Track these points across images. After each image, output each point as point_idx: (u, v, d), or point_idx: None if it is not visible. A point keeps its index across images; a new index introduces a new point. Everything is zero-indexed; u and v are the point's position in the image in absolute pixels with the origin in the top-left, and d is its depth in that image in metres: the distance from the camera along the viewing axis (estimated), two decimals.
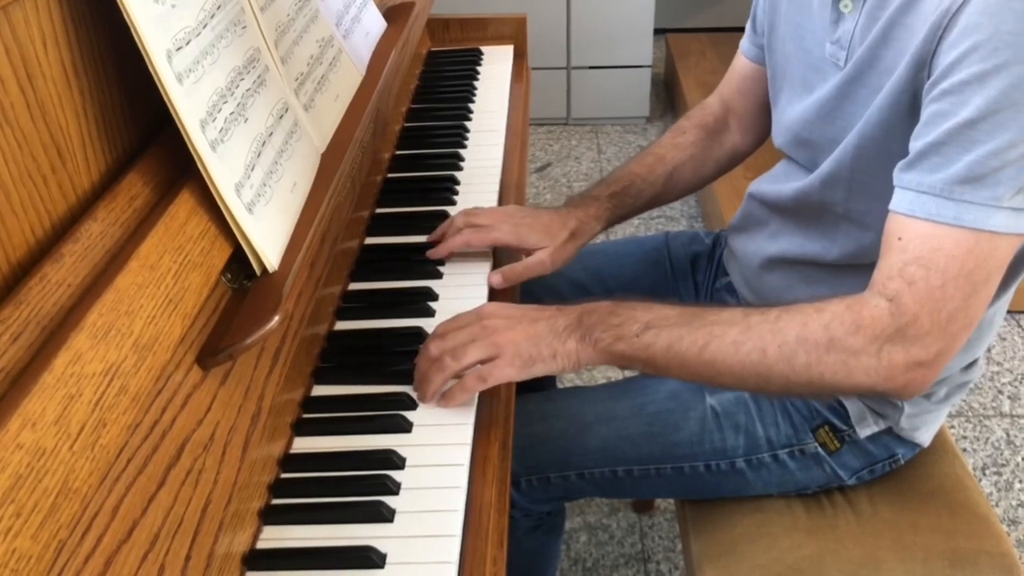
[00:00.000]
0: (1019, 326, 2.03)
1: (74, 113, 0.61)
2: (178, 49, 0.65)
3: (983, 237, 0.67)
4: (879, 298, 0.70)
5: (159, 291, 0.60)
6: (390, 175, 1.19)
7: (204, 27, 0.70)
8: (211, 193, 0.68)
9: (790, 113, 0.92)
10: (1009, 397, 1.84)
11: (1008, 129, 0.65)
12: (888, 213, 0.72)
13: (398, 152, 1.25)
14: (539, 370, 0.78)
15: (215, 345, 0.64)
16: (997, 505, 1.59)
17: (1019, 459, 1.69)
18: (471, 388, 0.78)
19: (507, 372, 0.77)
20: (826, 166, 0.85)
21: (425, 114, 1.36)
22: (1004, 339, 1.99)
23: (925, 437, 0.94)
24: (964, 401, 1.82)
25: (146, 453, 0.55)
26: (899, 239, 0.71)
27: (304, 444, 0.77)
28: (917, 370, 0.70)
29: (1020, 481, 1.64)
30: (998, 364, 1.92)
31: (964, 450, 1.70)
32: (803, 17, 0.89)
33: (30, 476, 0.45)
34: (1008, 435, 1.74)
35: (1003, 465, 1.67)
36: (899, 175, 0.72)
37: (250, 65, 0.78)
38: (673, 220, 2.49)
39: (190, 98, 0.65)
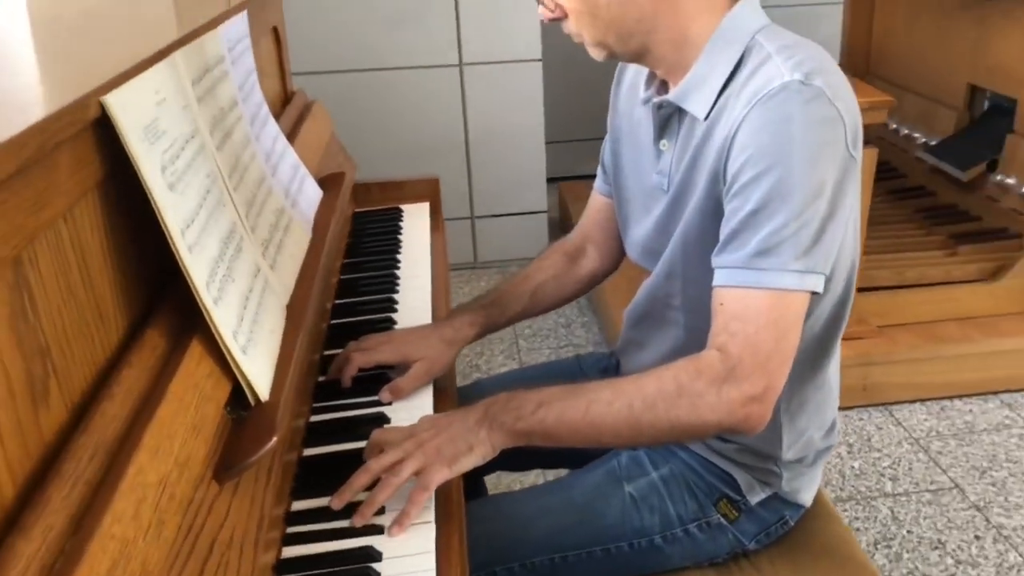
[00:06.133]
0: (892, 416, 2.29)
1: (109, 284, 0.77)
2: (187, 227, 0.82)
3: (779, 294, 0.90)
4: (711, 350, 0.92)
5: (187, 419, 0.74)
6: (333, 321, 1.36)
7: (201, 208, 0.88)
8: (209, 341, 0.83)
9: (638, 232, 1.15)
10: (890, 479, 2.07)
11: (779, 213, 0.88)
12: (712, 291, 0.94)
13: (337, 301, 1.42)
14: (465, 464, 0.94)
15: (226, 463, 0.79)
16: (891, 575, 1.78)
17: (904, 532, 1.90)
18: (421, 501, 0.92)
19: (442, 473, 0.93)
20: (664, 262, 1.07)
21: (358, 266, 1.54)
22: (881, 428, 2.24)
23: (806, 498, 1.13)
24: (852, 486, 2.04)
25: (189, 548, 0.68)
26: (721, 304, 0.93)
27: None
28: (752, 404, 0.89)
29: (907, 552, 1.84)
30: (878, 451, 2.16)
31: (857, 529, 1.90)
32: (637, 156, 1.13)
33: (121, 560, 0.59)
34: (893, 512, 1.96)
35: (891, 539, 1.88)
36: (714, 259, 0.94)
37: (232, 235, 0.96)
38: (580, 347, 2.70)
39: (198, 265, 0.82)
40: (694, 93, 0.98)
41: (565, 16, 0.99)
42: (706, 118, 0.97)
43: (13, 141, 0.58)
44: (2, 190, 0.58)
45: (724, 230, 0.93)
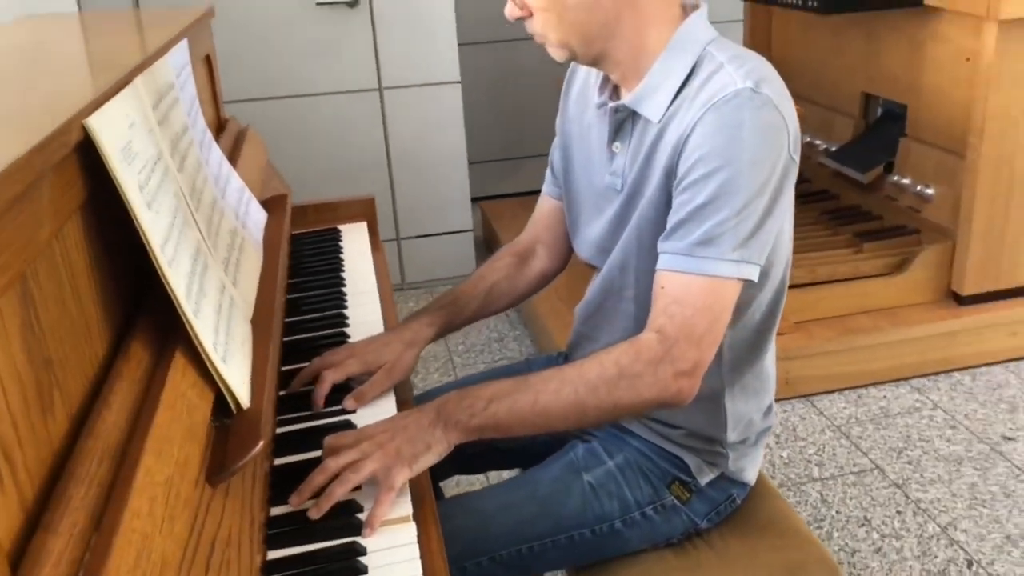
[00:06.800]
0: (814, 407, 2.42)
1: (93, 300, 0.80)
2: (165, 242, 0.85)
3: (715, 281, 0.98)
4: (650, 332, 1.00)
5: (181, 425, 0.77)
6: (286, 339, 1.38)
7: (173, 226, 0.91)
8: (190, 354, 0.86)
9: (590, 231, 1.22)
10: (816, 465, 2.19)
11: (724, 209, 0.97)
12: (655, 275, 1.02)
13: (288, 319, 1.44)
14: (424, 463, 0.99)
15: (217, 466, 0.82)
16: None
17: (833, 513, 2.01)
18: (388, 501, 0.97)
19: (403, 474, 0.97)
20: (617, 256, 1.14)
21: (304, 286, 1.57)
22: (804, 419, 2.37)
23: (751, 476, 1.22)
24: (783, 474, 2.15)
25: (195, 543, 0.71)
26: (662, 288, 1.01)
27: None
28: (683, 378, 0.98)
29: (837, 531, 1.95)
30: (803, 439, 2.28)
31: None
32: (588, 158, 1.20)
33: (144, 552, 0.62)
34: (821, 495, 2.07)
35: (822, 520, 1.99)
36: (660, 244, 1.02)
37: (198, 253, 0.99)
38: (515, 360, 2.76)
39: (177, 278, 0.85)
40: (649, 98, 1.06)
41: (530, 15, 1.05)
42: (659, 121, 1.05)
43: (22, 160, 0.61)
44: (13, 206, 0.61)
45: (672, 219, 1.02)
